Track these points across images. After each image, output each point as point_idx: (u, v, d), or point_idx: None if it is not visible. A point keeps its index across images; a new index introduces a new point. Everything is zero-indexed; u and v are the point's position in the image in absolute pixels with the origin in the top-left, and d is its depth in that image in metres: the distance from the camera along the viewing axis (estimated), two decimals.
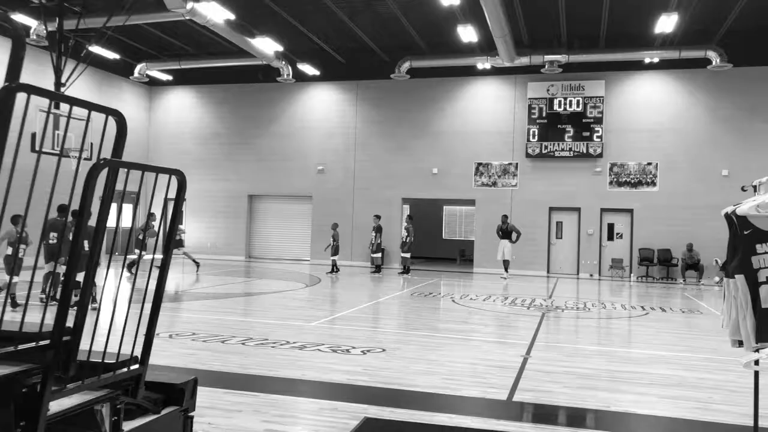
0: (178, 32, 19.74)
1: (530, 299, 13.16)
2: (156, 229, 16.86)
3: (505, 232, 18.80)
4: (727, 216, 3.76)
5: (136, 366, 3.14)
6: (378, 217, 19.22)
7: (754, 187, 4.02)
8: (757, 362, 3.72)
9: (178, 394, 3.31)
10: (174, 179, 3.08)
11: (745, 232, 3.51)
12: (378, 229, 18.90)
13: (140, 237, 16.80)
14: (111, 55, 20.03)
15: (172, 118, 24.80)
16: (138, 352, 3.04)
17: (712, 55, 17.33)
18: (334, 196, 22.63)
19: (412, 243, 18.99)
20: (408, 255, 19.05)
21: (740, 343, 3.69)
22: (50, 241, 9.86)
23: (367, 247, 19.61)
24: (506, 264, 18.69)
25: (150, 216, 17.34)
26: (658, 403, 5.51)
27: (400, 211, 22.12)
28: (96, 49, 18.04)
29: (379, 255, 19.05)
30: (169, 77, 23.55)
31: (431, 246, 26.44)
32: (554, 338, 8.70)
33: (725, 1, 15.80)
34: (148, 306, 3.00)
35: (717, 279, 18.63)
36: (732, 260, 3.67)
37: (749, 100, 19.16)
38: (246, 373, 6.12)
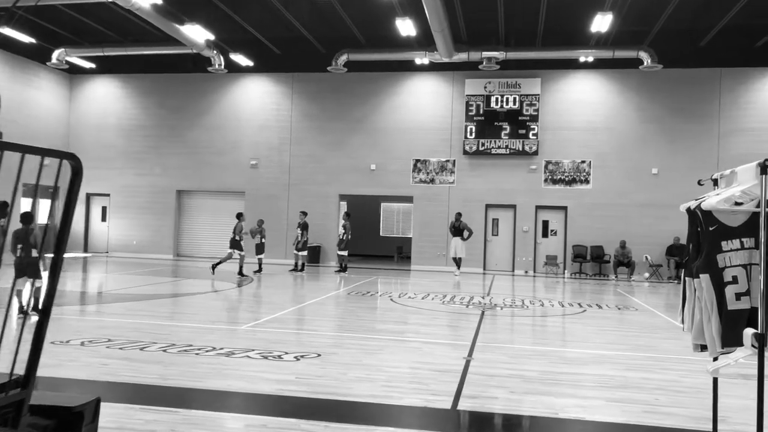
0: (100, 16, 18.53)
1: (469, 297, 12.97)
2: (244, 226, 16.99)
3: (457, 229, 18.73)
4: (690, 211, 3.50)
5: (17, 390, 2.58)
6: (304, 213, 18.55)
7: (715, 180, 3.78)
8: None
9: (75, 419, 2.75)
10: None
11: (710, 228, 3.25)
12: (304, 226, 18.17)
13: (237, 238, 16.50)
14: (25, 38, 18.61)
15: (95, 108, 23.42)
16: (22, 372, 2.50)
17: (643, 55, 17.67)
18: (269, 192, 21.92)
19: (349, 240, 18.47)
20: (345, 253, 18.56)
21: (702, 348, 3.44)
22: None
23: (291, 244, 18.90)
24: (458, 262, 18.69)
25: (240, 216, 17.16)
26: (606, 407, 5.29)
27: (337, 207, 21.64)
28: (6, 30, 16.71)
29: (305, 253, 18.30)
30: (92, 65, 22.17)
31: (369, 243, 26.08)
32: (495, 338, 8.46)
33: (657, 4, 16.10)
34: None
35: (647, 275, 19.09)
36: (695, 259, 3.42)
37: (677, 101, 19.71)
38: (165, 385, 5.52)
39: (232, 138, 22.35)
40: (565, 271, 20.03)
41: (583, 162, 20.18)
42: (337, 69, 19.33)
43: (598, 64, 19.67)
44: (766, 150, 18.85)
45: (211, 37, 19.00)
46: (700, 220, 3.31)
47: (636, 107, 20.00)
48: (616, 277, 19.08)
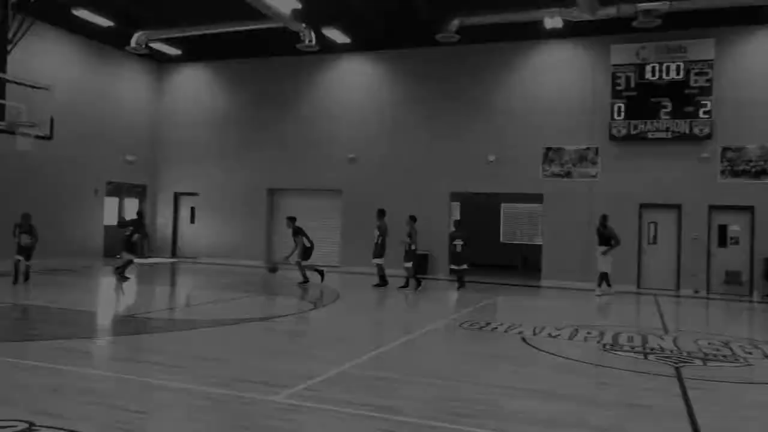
0: None
1: (639, 336, 8.78)
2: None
3: (603, 237, 14.33)
4: None
5: None
6: (292, 219, 15.08)
7: None
8: None
9: None
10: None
11: None
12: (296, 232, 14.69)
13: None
14: (101, 20, 16.62)
15: (183, 99, 21.40)
16: None
17: None
18: (368, 190, 18.63)
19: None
20: (380, 261, 14.47)
21: None
22: None
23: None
24: (604, 277, 14.33)
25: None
26: None
27: (448, 208, 17.95)
28: (83, 13, 14.64)
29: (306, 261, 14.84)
30: (178, 51, 20.03)
31: (486, 251, 22.17)
32: None
33: None
34: None
35: None
36: None
37: None
38: None
39: (327, 129, 19.34)
40: (754, 293, 15.03)
41: None
42: (448, 37, 15.69)
43: None
44: None
45: (298, 5, 16.08)
46: None
47: None
48: None
